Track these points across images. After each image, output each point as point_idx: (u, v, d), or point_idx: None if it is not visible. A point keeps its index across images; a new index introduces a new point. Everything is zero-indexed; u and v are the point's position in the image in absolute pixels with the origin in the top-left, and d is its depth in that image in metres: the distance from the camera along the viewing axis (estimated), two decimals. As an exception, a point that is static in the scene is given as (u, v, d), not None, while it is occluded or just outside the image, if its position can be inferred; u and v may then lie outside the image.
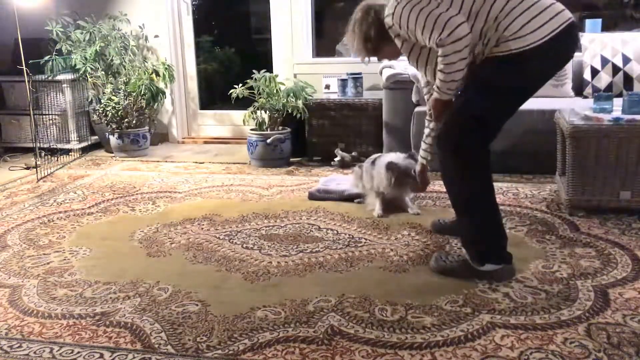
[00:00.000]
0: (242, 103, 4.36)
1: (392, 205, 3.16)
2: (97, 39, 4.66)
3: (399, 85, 3.97)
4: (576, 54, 4.11)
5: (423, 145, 2.69)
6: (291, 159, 4.36)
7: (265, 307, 2.11)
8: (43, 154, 4.33)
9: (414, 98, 3.93)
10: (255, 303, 2.14)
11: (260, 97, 4.22)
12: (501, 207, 3.14)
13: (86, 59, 4.63)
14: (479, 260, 2.27)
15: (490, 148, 2.25)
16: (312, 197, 3.41)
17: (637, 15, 5.10)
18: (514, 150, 3.59)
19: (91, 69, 4.66)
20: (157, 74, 4.75)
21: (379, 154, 3.35)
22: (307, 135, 4.37)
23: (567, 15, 2.14)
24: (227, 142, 5.21)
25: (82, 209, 3.35)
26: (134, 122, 4.65)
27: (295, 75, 4.80)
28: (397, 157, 3.12)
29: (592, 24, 4.33)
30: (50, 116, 4.73)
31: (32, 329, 2.01)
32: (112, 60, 4.71)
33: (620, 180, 2.86)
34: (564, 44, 2.17)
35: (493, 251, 2.28)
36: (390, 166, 3.03)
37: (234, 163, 4.41)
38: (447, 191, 2.36)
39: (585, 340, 1.83)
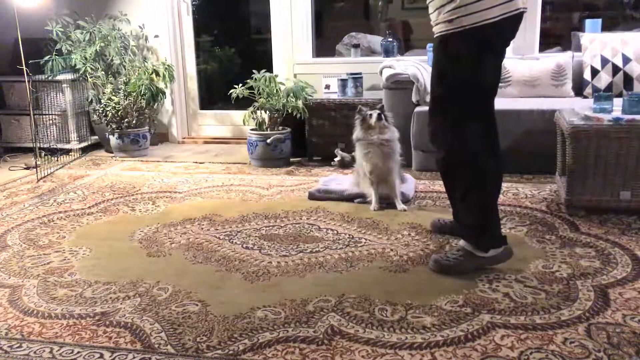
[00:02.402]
0: (242, 103, 4.36)
1: (384, 202, 3.17)
2: (97, 39, 4.66)
3: (399, 85, 3.97)
4: (576, 54, 4.16)
5: None
6: (291, 159, 4.36)
7: (265, 307, 2.11)
8: (43, 154, 4.33)
9: (414, 98, 3.93)
10: (255, 303, 2.14)
11: (260, 97, 4.21)
12: (501, 207, 3.15)
13: (86, 59, 4.63)
14: (483, 248, 2.32)
15: (490, 143, 2.32)
16: (312, 197, 3.41)
17: (637, 15, 5.11)
18: (514, 150, 3.58)
19: (91, 69, 4.66)
20: (157, 74, 4.75)
21: None
22: (307, 135, 4.37)
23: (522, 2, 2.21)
24: (227, 142, 5.21)
25: (82, 209, 3.35)
26: (134, 122, 4.65)
27: (295, 75, 4.80)
28: None
29: (592, 24, 4.33)
30: (50, 116, 4.73)
31: (32, 329, 2.01)
32: (112, 60, 4.71)
33: (620, 180, 2.86)
34: (509, 30, 2.22)
35: (494, 236, 2.36)
36: (358, 109, 3.25)
37: (234, 163, 4.41)
38: (449, 185, 2.41)
39: (585, 340, 1.83)
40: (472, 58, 2.21)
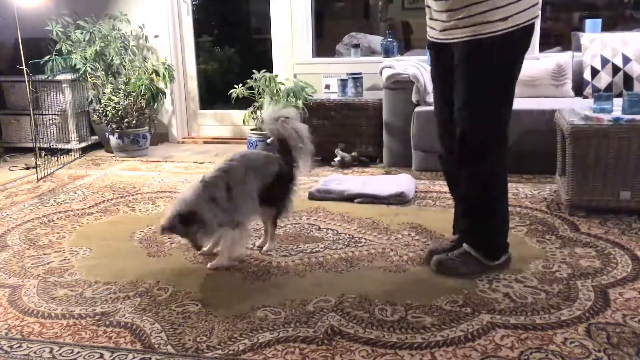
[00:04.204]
0: (242, 103, 4.36)
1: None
2: (97, 39, 4.66)
3: (399, 85, 3.97)
4: (576, 54, 4.16)
5: None
6: (291, 159, 4.35)
7: (265, 307, 2.11)
8: (43, 154, 4.32)
9: (414, 98, 3.93)
10: (255, 303, 2.14)
11: (260, 97, 4.22)
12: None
13: (86, 59, 4.62)
14: (494, 257, 2.32)
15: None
16: (312, 197, 3.41)
17: (637, 15, 5.11)
18: (514, 150, 3.57)
19: (91, 69, 4.66)
20: (157, 74, 4.75)
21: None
22: (307, 135, 4.36)
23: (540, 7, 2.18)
24: (227, 142, 5.21)
25: (82, 209, 3.35)
26: (134, 122, 4.65)
27: (295, 75, 4.80)
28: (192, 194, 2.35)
29: (592, 24, 4.33)
30: (50, 116, 4.73)
31: (32, 329, 2.01)
32: (112, 60, 4.71)
33: (620, 180, 2.86)
34: (530, 36, 2.13)
35: (505, 243, 2.36)
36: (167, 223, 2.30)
37: (234, 163, 4.40)
38: (466, 195, 2.32)
39: (585, 340, 1.83)
40: (517, 61, 2.12)
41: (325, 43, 5.30)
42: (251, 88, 4.24)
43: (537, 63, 4.13)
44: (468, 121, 2.17)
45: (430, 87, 3.99)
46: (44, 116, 4.71)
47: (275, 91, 4.20)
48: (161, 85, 4.79)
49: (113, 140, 4.67)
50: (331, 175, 3.85)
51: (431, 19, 2.25)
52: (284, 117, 2.52)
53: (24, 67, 3.99)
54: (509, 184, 3.45)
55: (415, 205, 3.25)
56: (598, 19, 4.35)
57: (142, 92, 4.61)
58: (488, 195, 2.27)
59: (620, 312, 1.99)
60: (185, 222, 2.29)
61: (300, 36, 4.90)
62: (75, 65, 4.61)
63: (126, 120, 4.62)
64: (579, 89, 4.08)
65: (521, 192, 3.40)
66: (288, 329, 1.95)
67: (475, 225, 2.34)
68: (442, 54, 2.25)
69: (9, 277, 2.45)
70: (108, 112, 4.58)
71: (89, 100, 4.85)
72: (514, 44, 2.09)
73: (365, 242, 2.71)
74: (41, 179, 4.03)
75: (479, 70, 2.11)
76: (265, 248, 2.63)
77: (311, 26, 4.98)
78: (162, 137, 5.24)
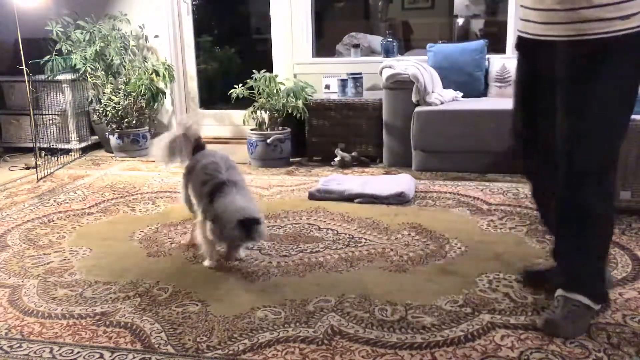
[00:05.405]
0: (242, 103, 4.36)
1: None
2: (97, 39, 4.66)
3: (399, 85, 3.97)
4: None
5: None
6: (291, 159, 4.36)
7: (265, 307, 2.11)
8: (43, 154, 4.33)
9: (414, 98, 3.94)
10: (255, 303, 2.14)
11: (260, 97, 4.22)
12: (501, 207, 3.16)
13: (86, 59, 4.62)
14: (599, 299, 1.97)
15: None
16: (312, 197, 3.41)
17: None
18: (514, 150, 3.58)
19: (91, 69, 4.66)
20: (157, 74, 4.75)
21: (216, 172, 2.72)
22: (307, 135, 4.37)
23: None
24: (227, 142, 5.20)
25: (82, 209, 3.35)
26: (134, 122, 4.65)
27: (295, 75, 4.80)
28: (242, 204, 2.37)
29: (592, 24, 4.31)
30: (50, 116, 4.73)
31: (32, 329, 2.01)
32: (112, 60, 4.71)
33: (620, 180, 2.85)
34: None
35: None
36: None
37: (234, 163, 4.40)
38: (581, 231, 1.89)
39: (585, 340, 1.83)
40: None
41: (325, 43, 5.30)
42: (251, 88, 4.24)
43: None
44: (578, 142, 1.83)
45: (430, 87, 3.99)
46: (44, 116, 4.70)
47: (275, 91, 4.21)
48: (161, 85, 4.79)
49: (113, 140, 4.67)
50: (331, 175, 3.85)
51: (526, 7, 1.82)
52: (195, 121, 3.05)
53: (24, 67, 3.98)
54: (509, 184, 3.50)
55: (415, 205, 3.25)
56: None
57: (142, 92, 4.61)
58: (609, 227, 1.94)
59: (620, 312, 1.99)
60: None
61: (300, 36, 4.90)
62: (75, 65, 4.61)
63: (126, 120, 4.61)
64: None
65: (521, 192, 3.40)
66: (288, 329, 1.95)
67: (583, 263, 1.94)
68: (533, 53, 1.89)
69: (9, 277, 2.45)
70: (108, 112, 4.58)
71: (89, 100, 4.85)
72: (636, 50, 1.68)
73: (365, 242, 2.71)
74: (41, 179, 4.03)
75: (590, 80, 1.70)
76: None
77: (311, 26, 4.97)
78: (162, 137, 5.23)
